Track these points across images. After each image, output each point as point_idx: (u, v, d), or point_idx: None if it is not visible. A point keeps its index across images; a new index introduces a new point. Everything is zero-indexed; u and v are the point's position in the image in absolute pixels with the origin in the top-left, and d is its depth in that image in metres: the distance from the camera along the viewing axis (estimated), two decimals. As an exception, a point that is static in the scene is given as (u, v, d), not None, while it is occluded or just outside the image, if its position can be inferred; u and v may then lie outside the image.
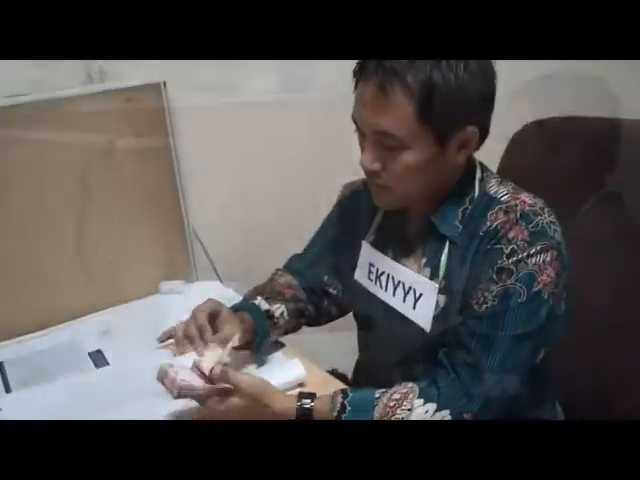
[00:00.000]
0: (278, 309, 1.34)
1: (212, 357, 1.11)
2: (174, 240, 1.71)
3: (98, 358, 1.43)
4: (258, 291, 1.38)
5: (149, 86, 1.56)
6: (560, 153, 1.44)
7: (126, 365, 1.37)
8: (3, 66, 1.39)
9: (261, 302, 1.33)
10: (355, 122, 1.08)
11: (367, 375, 1.36)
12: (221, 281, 1.77)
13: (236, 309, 1.32)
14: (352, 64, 1.07)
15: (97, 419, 1.16)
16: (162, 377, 1.10)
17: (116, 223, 1.61)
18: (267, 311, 1.32)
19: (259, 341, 1.29)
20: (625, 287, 1.31)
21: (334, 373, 1.46)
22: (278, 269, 1.44)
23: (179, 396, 1.09)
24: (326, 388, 1.15)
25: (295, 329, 1.40)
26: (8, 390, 1.33)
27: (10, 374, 1.39)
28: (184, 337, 1.23)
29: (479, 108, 1.06)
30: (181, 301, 1.63)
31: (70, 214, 1.54)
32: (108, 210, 1.59)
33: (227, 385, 1.07)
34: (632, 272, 1.31)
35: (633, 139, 1.35)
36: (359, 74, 1.06)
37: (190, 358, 1.16)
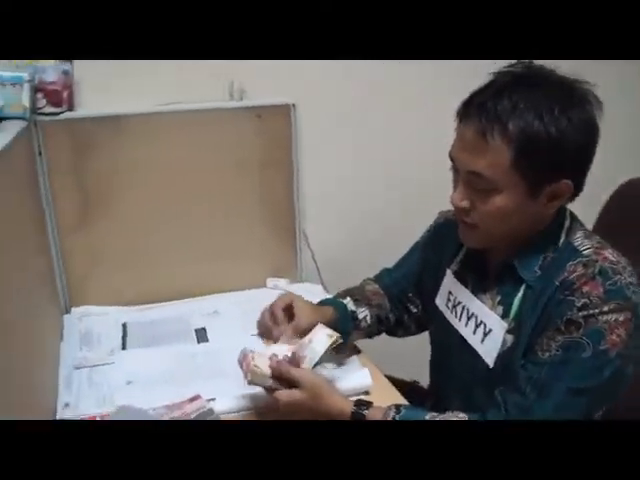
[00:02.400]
0: (362, 312, 1.33)
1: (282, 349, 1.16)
2: (285, 243, 1.76)
3: (201, 334, 1.50)
4: (348, 293, 1.38)
5: (280, 106, 1.63)
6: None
7: (222, 345, 1.43)
8: (159, 78, 1.53)
9: (349, 302, 1.34)
10: (452, 159, 1.06)
11: (434, 396, 1.34)
12: (324, 286, 1.78)
13: (323, 303, 1.34)
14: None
15: (184, 387, 1.25)
16: (241, 361, 1.13)
17: (237, 221, 1.68)
18: (353, 312, 1.33)
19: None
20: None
21: (414, 385, 1.47)
22: (368, 278, 1.44)
23: (251, 382, 1.12)
24: (388, 400, 1.15)
25: (374, 335, 1.39)
26: (124, 347, 1.44)
27: (130, 335, 1.49)
28: (262, 327, 1.27)
29: (577, 162, 1.00)
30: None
31: (198, 209, 1.64)
32: (231, 209, 1.67)
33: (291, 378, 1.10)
34: None
35: None
36: (462, 115, 1.02)
37: (282, 347, 1.18)
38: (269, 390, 1.12)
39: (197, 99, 1.58)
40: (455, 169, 1.06)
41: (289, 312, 1.25)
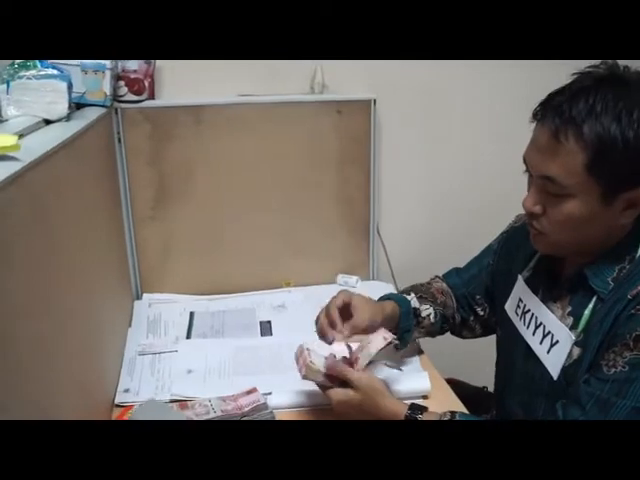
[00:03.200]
0: (426, 310, 1.30)
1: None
2: (359, 240, 1.72)
3: (266, 328, 1.49)
4: (414, 289, 1.35)
5: (361, 101, 1.59)
6: None
7: (285, 339, 1.41)
8: (240, 70, 1.52)
9: (413, 299, 1.30)
10: (525, 162, 1.01)
11: (496, 403, 1.28)
12: (396, 285, 1.73)
13: (386, 298, 1.31)
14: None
15: (242, 379, 1.24)
16: (298, 356, 1.12)
17: (310, 216, 1.66)
18: (415, 309, 1.29)
19: (400, 333, 1.26)
20: None
21: (483, 391, 1.42)
22: (437, 275, 1.40)
23: (305, 377, 1.10)
24: (446, 406, 1.10)
25: (438, 334, 1.35)
26: (188, 336, 1.45)
27: (195, 324, 1.50)
28: (319, 327, 1.22)
29: None
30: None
31: (272, 202, 1.63)
32: (305, 203, 1.65)
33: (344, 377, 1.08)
34: None
35: None
36: (538, 117, 0.98)
37: (341, 346, 1.15)
38: (323, 387, 1.10)
39: (277, 91, 1.57)
40: (529, 172, 1.01)
41: (347, 311, 1.21)
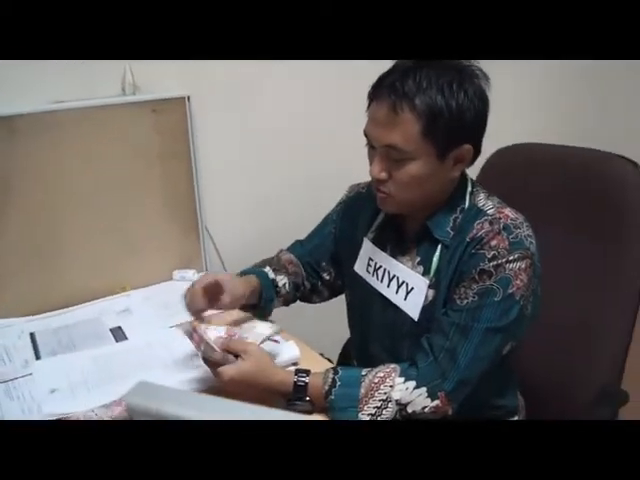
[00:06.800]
0: (282, 280, 1.37)
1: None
2: (189, 235, 1.72)
3: (118, 333, 1.44)
4: (266, 262, 1.42)
5: (175, 99, 1.59)
6: (529, 177, 1.48)
7: (143, 340, 1.39)
8: (50, 75, 1.43)
9: (269, 271, 1.37)
10: (367, 136, 1.13)
11: (357, 356, 1.39)
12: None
13: (245, 272, 1.36)
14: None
15: (114, 386, 1.19)
16: (190, 332, 1.13)
17: (139, 218, 1.62)
18: (273, 280, 1.36)
19: (264, 304, 1.33)
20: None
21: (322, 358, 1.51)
22: (282, 249, 1.47)
23: (204, 354, 1.11)
24: (317, 367, 1.17)
25: (293, 301, 1.43)
26: (38, 357, 1.34)
27: (40, 344, 1.39)
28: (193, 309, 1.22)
29: (474, 129, 1.11)
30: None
31: (99, 208, 1.56)
32: (132, 205, 1.60)
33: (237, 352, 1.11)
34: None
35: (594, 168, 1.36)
36: (373, 96, 1.11)
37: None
38: (214, 365, 1.12)
39: (92, 95, 1.51)
40: (371, 145, 1.14)
41: (215, 290, 1.22)
